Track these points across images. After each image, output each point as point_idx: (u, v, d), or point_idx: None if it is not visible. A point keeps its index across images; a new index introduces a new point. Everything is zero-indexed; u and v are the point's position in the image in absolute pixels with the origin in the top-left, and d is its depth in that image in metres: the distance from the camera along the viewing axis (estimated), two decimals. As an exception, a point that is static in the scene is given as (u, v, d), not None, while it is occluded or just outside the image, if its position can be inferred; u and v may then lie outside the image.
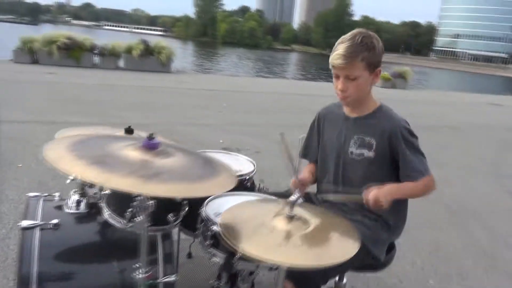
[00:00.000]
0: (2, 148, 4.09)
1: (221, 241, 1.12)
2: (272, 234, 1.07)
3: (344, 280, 1.86)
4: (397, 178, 1.65)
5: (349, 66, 1.55)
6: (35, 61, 12.12)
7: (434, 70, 61.86)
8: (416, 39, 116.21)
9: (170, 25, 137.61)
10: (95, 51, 12.93)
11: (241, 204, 1.30)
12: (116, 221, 1.40)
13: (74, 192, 1.60)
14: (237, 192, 1.84)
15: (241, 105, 9.00)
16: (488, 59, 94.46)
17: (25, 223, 1.42)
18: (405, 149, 1.60)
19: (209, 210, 1.60)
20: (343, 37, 1.61)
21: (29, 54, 12.06)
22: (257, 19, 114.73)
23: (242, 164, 2.19)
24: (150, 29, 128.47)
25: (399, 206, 1.72)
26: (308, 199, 1.88)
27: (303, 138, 1.26)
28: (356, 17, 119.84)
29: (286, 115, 8.28)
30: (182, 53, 40.33)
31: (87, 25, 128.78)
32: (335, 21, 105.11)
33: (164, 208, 1.50)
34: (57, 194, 1.65)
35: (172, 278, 1.39)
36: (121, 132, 1.92)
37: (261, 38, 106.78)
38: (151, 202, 1.10)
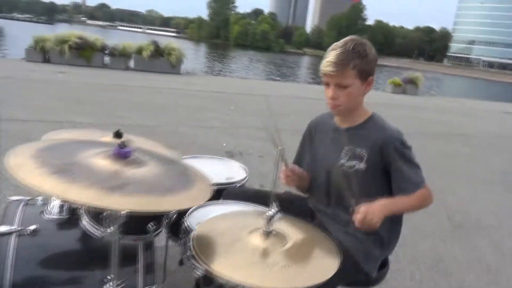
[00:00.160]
0: (3, 148, 4.10)
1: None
2: (245, 252, 1.01)
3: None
4: (391, 191, 1.58)
5: (340, 73, 1.50)
6: (46, 60, 12.24)
7: (447, 76, 61.13)
8: (430, 45, 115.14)
9: (183, 27, 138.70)
10: (106, 51, 13.01)
11: (219, 217, 1.25)
12: (94, 229, 1.36)
13: (57, 197, 1.56)
14: (226, 200, 1.80)
15: (248, 108, 8.95)
16: (503, 66, 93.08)
17: (1, 228, 1.39)
18: (398, 160, 1.53)
19: (193, 219, 1.56)
20: (334, 44, 1.56)
21: (41, 53, 12.18)
22: (270, 22, 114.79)
23: (234, 171, 2.14)
24: (163, 30, 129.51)
25: (394, 220, 1.65)
26: (304, 205, 1.82)
27: (282, 150, 1.20)
28: (370, 22, 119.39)
29: (294, 119, 8.20)
30: (194, 55, 40.55)
31: (102, 25, 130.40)
32: (348, 25, 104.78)
33: (144, 216, 1.46)
34: (40, 198, 1.62)
35: (152, 288, 1.35)
36: (109, 136, 1.89)
37: (274, 41, 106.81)
38: (123, 212, 1.06)
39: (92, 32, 16.64)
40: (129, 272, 1.50)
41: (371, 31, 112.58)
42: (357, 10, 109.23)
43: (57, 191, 0.81)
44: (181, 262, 2.49)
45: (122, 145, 1.03)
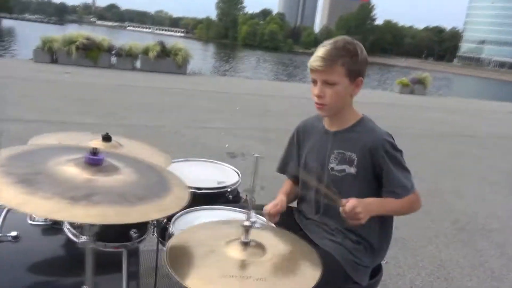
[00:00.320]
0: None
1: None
2: (220, 264, 0.97)
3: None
4: (381, 195, 1.53)
5: (328, 69, 1.45)
6: (54, 61, 12.34)
7: (457, 76, 60.46)
8: (439, 45, 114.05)
9: (192, 27, 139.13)
10: (113, 52, 13.07)
11: (198, 226, 1.21)
12: (74, 236, 1.33)
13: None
14: (215, 206, 1.76)
15: (254, 109, 8.91)
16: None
17: (-18, 233, 1.36)
18: (388, 164, 1.48)
19: (177, 226, 1.52)
20: (324, 41, 1.52)
21: (48, 53, 12.28)
22: (278, 22, 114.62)
23: (226, 175, 2.10)
24: (172, 31, 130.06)
25: (384, 226, 1.60)
26: (290, 214, 1.78)
27: (259, 158, 1.16)
28: (379, 21, 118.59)
29: (299, 120, 8.16)
30: (202, 55, 40.62)
31: (111, 25, 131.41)
32: (356, 25, 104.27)
33: (125, 223, 1.43)
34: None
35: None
36: (98, 140, 1.86)
37: (282, 41, 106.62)
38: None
39: (101, 33, 16.74)
40: (114, 279, 1.47)
41: (380, 31, 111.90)
42: (366, 10, 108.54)
43: (14, 203, 0.78)
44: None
45: (94, 152, 0.99)
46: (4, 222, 1.45)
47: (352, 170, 1.51)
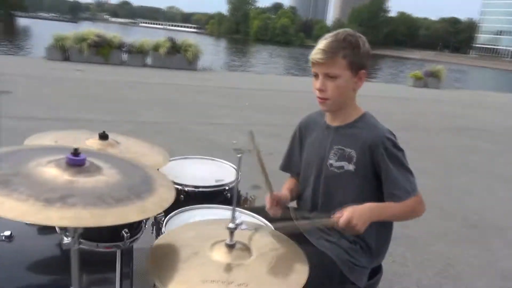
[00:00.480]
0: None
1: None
2: (203, 267, 0.94)
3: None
4: (382, 195, 1.48)
5: (330, 62, 1.41)
6: (66, 58, 12.47)
7: (474, 68, 59.23)
8: (455, 36, 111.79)
9: (204, 22, 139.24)
10: (124, 49, 13.15)
11: (185, 226, 1.18)
12: (65, 236, 1.31)
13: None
14: (212, 205, 1.74)
15: (264, 104, 8.87)
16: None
17: (-24, 234, 1.37)
18: (388, 163, 1.42)
19: (170, 225, 1.50)
20: (326, 34, 1.48)
21: (61, 51, 12.41)
22: (289, 16, 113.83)
23: (225, 173, 2.07)
24: (184, 26, 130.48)
25: (383, 226, 1.55)
26: (287, 213, 1.74)
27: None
28: (392, 13, 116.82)
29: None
30: (214, 50, 40.60)
31: (124, 22, 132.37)
32: (369, 18, 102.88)
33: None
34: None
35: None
36: (95, 138, 1.85)
37: (294, 35, 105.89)
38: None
39: (114, 30, 16.84)
40: (108, 280, 1.46)
41: (394, 23, 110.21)
42: (379, 2, 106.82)
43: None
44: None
45: (75, 153, 0.97)
46: (0, 221, 1.45)
47: (351, 167, 1.46)
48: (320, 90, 1.46)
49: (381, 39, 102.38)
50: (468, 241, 3.34)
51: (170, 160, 2.12)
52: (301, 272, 0.99)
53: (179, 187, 1.86)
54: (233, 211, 1.05)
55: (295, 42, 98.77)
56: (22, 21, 67.32)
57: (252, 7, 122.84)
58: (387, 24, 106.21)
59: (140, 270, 1.98)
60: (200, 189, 1.85)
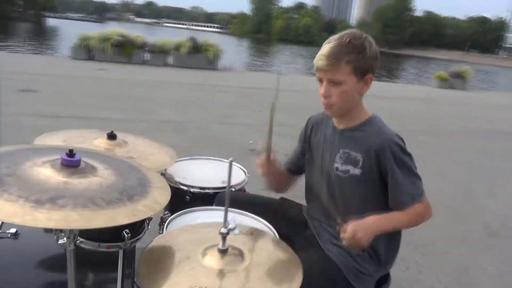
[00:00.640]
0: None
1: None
2: (193, 272, 0.93)
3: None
4: (387, 200, 1.43)
5: (333, 68, 1.37)
6: (90, 58, 12.74)
7: (503, 69, 57.31)
8: (483, 36, 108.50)
9: (227, 22, 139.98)
10: (146, 48, 13.35)
11: (179, 230, 1.18)
12: (60, 237, 1.33)
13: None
14: (217, 207, 1.73)
15: (283, 104, 8.74)
16: None
17: (-18, 231, 1.40)
18: (394, 168, 1.38)
19: (172, 228, 1.50)
20: (331, 37, 1.43)
21: (85, 50, 12.69)
22: (312, 16, 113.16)
23: (232, 174, 2.05)
24: (207, 26, 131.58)
25: (393, 234, 1.50)
26: (299, 212, 1.72)
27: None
28: (418, 13, 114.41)
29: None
30: (235, 50, 40.73)
31: (148, 22, 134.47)
32: (394, 17, 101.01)
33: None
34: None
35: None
36: (103, 138, 1.87)
37: (316, 35, 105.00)
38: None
39: (139, 30, 17.11)
40: (110, 280, 1.47)
41: (420, 22, 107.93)
42: (405, 1, 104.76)
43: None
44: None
45: (70, 154, 0.98)
46: (5, 220, 1.48)
47: (357, 171, 1.43)
48: (325, 96, 1.43)
49: (405, 39, 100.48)
50: (487, 249, 3.23)
51: (178, 161, 2.14)
52: (294, 279, 0.96)
53: (185, 188, 1.86)
54: (225, 216, 1.04)
55: (318, 42, 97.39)
56: (51, 21, 69.29)
57: (275, 6, 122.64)
58: (412, 23, 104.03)
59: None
60: (206, 191, 1.85)
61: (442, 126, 8.43)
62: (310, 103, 9.20)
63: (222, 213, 1.65)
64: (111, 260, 1.51)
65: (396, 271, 2.74)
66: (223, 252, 0.98)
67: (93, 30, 13.85)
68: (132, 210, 0.91)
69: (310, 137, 1.66)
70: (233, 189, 1.90)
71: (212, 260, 0.97)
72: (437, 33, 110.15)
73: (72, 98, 7.06)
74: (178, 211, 1.65)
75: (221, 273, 0.94)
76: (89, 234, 1.41)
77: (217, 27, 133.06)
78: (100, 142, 1.85)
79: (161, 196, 1.03)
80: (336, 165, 1.48)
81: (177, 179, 1.93)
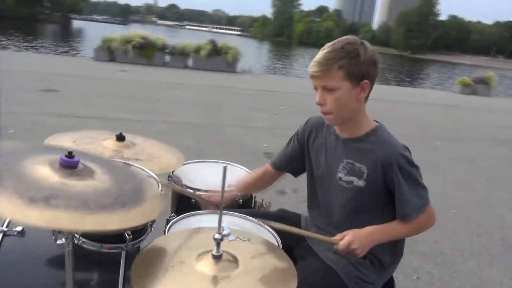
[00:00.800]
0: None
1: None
2: (185, 278, 0.92)
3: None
4: (392, 211, 1.40)
5: (325, 74, 1.34)
6: (112, 59, 12.99)
7: (531, 76, 55.59)
8: (510, 41, 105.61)
9: (248, 25, 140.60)
10: (166, 50, 13.53)
11: (175, 234, 1.17)
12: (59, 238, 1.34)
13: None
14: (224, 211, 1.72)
15: (300, 108, 8.74)
16: None
17: (-10, 229, 1.43)
18: (401, 181, 1.34)
19: (173, 230, 1.50)
20: (326, 44, 1.41)
21: (107, 52, 12.96)
22: (334, 20, 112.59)
23: (239, 178, 2.04)
24: (228, 29, 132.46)
25: (396, 242, 1.47)
26: (297, 222, 1.70)
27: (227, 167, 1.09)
28: (443, 17, 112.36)
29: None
30: (256, 53, 40.83)
31: (171, 25, 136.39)
32: (418, 21, 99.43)
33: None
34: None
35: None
36: (112, 139, 1.89)
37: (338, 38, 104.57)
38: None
39: (161, 32, 17.36)
40: (112, 281, 1.48)
41: (444, 26, 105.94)
42: (429, 5, 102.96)
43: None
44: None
45: (70, 155, 0.99)
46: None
47: (361, 183, 1.39)
48: (320, 104, 1.40)
49: (429, 44, 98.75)
50: (504, 261, 3.11)
51: (186, 163, 2.14)
52: (288, 286, 0.95)
53: (191, 191, 1.86)
54: (219, 221, 1.03)
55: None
56: (77, 23, 71.03)
57: (297, 10, 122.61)
58: (436, 28, 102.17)
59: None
60: (212, 194, 1.84)
61: (463, 132, 8.23)
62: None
63: (225, 218, 1.67)
64: (116, 261, 1.53)
65: (406, 280, 2.70)
66: (217, 258, 0.97)
67: (117, 32, 14.12)
68: (123, 217, 0.91)
69: (309, 140, 1.61)
70: (239, 193, 1.88)
71: (206, 266, 0.96)
72: (462, 38, 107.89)
73: (92, 99, 7.21)
74: (182, 214, 1.66)
75: (213, 279, 0.93)
76: (91, 234, 1.43)
77: (238, 30, 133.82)
78: (109, 143, 1.88)
79: (154, 207, 1.03)
80: (339, 175, 1.45)
81: (184, 181, 1.93)
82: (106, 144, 1.86)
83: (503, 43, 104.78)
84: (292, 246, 1.51)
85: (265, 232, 1.56)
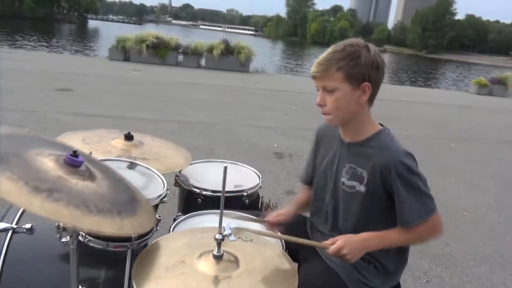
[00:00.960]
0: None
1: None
2: (185, 277, 0.92)
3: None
4: (392, 218, 1.37)
5: (324, 75, 1.34)
6: (126, 59, 13.14)
7: (550, 76, 54.28)
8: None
9: (262, 25, 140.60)
10: (180, 50, 13.63)
11: (178, 233, 1.18)
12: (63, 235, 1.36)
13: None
14: (225, 211, 1.72)
15: (312, 108, 8.69)
16: None
17: (-1, 225, 1.46)
18: (399, 188, 1.31)
19: (178, 229, 1.51)
20: (331, 46, 1.40)
21: (122, 52, 13.11)
22: (349, 19, 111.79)
23: (246, 178, 2.05)
24: (242, 29, 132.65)
25: (401, 249, 1.45)
26: (303, 223, 1.69)
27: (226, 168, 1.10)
28: (460, 16, 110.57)
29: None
30: (269, 53, 40.82)
31: (185, 24, 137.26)
32: (434, 21, 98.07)
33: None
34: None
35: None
36: (120, 138, 1.92)
37: (352, 38, 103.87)
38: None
39: (175, 32, 17.49)
40: (118, 279, 1.50)
41: (461, 26, 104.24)
42: (446, 4, 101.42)
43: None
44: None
45: (75, 154, 1.01)
46: (22, 214, 1.55)
47: (362, 188, 1.38)
48: (320, 105, 1.39)
49: (445, 43, 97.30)
50: (518, 266, 3.06)
51: (193, 163, 2.16)
52: (289, 284, 0.95)
53: (198, 190, 1.88)
54: (220, 221, 1.03)
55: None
56: (93, 23, 71.98)
57: (311, 9, 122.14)
58: (453, 27, 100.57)
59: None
60: (218, 194, 1.85)
61: (478, 133, 8.09)
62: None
63: (229, 218, 1.67)
64: (123, 259, 1.55)
65: (416, 283, 2.67)
66: (217, 258, 0.98)
67: (131, 32, 14.27)
68: (119, 224, 0.92)
69: (319, 147, 1.63)
70: (245, 193, 1.89)
71: (206, 266, 0.97)
72: (479, 37, 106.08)
73: (106, 98, 7.30)
74: (188, 213, 1.67)
75: (214, 279, 0.94)
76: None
77: (251, 30, 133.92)
78: (117, 143, 1.90)
79: (146, 221, 1.05)
80: (342, 179, 1.44)
81: (191, 181, 1.94)
82: (115, 143, 1.89)
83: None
84: (296, 248, 1.50)
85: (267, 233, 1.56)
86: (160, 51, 13.20)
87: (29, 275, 1.45)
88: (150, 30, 14.11)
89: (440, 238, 1.32)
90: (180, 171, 2.00)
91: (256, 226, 1.57)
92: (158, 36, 13.34)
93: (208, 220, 1.61)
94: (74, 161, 1.00)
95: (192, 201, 1.88)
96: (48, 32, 34.81)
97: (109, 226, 0.89)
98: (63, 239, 1.13)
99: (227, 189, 1.89)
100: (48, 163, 0.97)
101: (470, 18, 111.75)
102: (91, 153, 1.64)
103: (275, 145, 5.44)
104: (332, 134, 1.55)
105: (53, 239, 1.58)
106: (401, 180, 1.30)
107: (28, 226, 1.49)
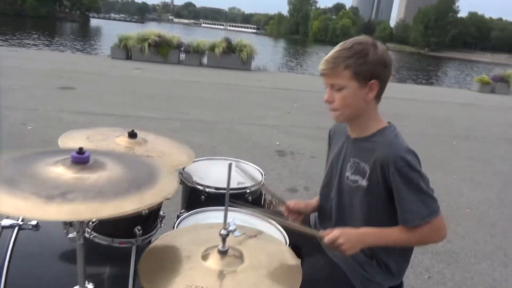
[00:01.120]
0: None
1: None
2: (191, 272, 0.94)
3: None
4: (393, 215, 1.38)
5: (332, 73, 1.36)
6: (129, 57, 13.15)
7: (553, 74, 54.06)
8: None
9: (264, 23, 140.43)
10: (182, 48, 13.63)
11: (184, 229, 1.19)
12: (70, 231, 1.38)
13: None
14: (231, 207, 1.74)
15: (313, 106, 8.73)
16: None
17: (5, 222, 1.48)
18: (398, 184, 1.31)
19: (182, 226, 1.53)
20: (340, 42, 1.41)
21: (124, 50, 13.11)
22: (351, 17, 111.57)
23: (248, 175, 2.06)
24: (244, 27, 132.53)
25: (406, 249, 1.46)
26: (307, 222, 1.71)
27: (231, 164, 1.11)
28: (462, 14, 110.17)
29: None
30: (271, 51, 40.74)
31: (187, 23, 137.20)
32: (437, 18, 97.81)
33: (130, 220, 1.47)
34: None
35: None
36: (124, 136, 1.93)
37: (354, 36, 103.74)
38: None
39: (177, 30, 17.50)
40: (123, 275, 1.52)
41: (463, 23, 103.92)
42: (448, 2, 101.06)
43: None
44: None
45: (80, 151, 1.02)
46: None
47: (364, 183, 1.39)
48: (328, 102, 1.41)
49: (447, 41, 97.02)
50: (520, 263, 3.06)
51: (196, 161, 2.17)
52: (292, 284, 0.96)
53: (201, 187, 1.89)
54: (225, 217, 1.05)
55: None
56: (95, 22, 72.01)
57: (313, 7, 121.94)
58: (455, 25, 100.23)
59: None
60: (221, 191, 1.87)
61: (480, 131, 8.08)
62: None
63: (234, 214, 1.69)
64: (128, 255, 1.56)
65: (417, 279, 2.68)
66: (223, 253, 0.99)
67: (133, 30, 14.28)
68: (139, 199, 0.94)
69: (331, 144, 1.67)
70: (248, 190, 1.91)
71: (212, 261, 0.98)
72: (482, 35, 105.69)
73: (108, 96, 7.32)
74: (192, 210, 1.69)
75: (219, 274, 0.95)
76: (103, 229, 1.47)
77: (253, 28, 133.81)
78: (121, 140, 1.91)
79: (169, 184, 1.05)
80: (347, 173, 1.46)
81: (194, 178, 1.96)
82: (119, 141, 1.90)
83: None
84: (300, 244, 1.52)
85: (272, 229, 1.58)
86: (162, 50, 13.21)
87: (35, 271, 1.47)
88: (152, 29, 14.10)
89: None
90: (183, 168, 2.02)
91: (259, 222, 1.59)
92: (160, 34, 13.34)
93: (211, 216, 1.62)
94: (80, 159, 1.01)
95: (196, 198, 1.89)
96: (50, 30, 34.86)
97: (130, 204, 0.90)
98: (70, 235, 1.15)
99: (230, 185, 1.93)
100: (56, 169, 0.99)
101: (473, 16, 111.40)
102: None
103: (277, 143, 5.45)
104: (342, 131, 1.57)
105: (59, 235, 1.60)
106: (400, 175, 1.30)
107: (34, 222, 1.51)
